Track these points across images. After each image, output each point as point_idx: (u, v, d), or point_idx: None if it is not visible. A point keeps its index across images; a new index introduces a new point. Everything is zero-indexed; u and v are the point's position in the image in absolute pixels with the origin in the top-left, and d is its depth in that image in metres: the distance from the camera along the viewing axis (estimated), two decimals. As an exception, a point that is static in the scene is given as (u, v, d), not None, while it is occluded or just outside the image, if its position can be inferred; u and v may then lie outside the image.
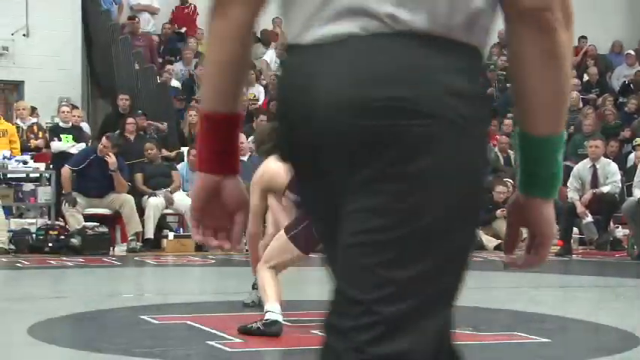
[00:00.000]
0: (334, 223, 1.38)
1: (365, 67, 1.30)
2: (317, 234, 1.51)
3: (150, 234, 10.47)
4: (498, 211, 11.57)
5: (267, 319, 4.67)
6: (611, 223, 10.90)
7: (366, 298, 1.30)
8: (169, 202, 10.64)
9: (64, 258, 9.43)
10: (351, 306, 1.31)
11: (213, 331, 4.92)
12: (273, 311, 4.68)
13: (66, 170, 10.30)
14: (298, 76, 1.36)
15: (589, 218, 10.59)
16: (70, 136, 11.45)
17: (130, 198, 10.41)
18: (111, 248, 10.16)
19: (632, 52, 16.30)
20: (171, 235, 10.61)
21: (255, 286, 5.52)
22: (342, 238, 1.34)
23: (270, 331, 4.66)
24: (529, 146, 1.40)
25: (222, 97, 1.40)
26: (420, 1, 1.32)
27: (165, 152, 11.65)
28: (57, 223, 10.23)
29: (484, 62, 1.42)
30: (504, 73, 16.15)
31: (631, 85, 15.69)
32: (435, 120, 1.30)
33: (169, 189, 10.72)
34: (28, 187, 10.73)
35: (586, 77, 15.83)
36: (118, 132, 11.31)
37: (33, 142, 11.57)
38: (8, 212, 10.46)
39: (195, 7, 15.78)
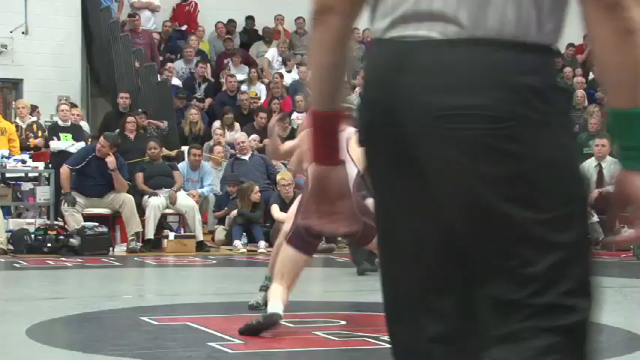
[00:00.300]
0: (415, 218, 1.48)
1: (443, 73, 1.41)
2: (377, 225, 1.57)
3: (150, 234, 10.47)
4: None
5: (267, 312, 4.71)
6: (617, 223, 10.86)
7: (519, 297, 1.44)
8: (173, 202, 10.63)
9: (63, 258, 9.43)
10: (513, 309, 1.44)
11: (214, 332, 4.92)
12: (275, 305, 4.71)
13: (65, 169, 10.29)
14: (382, 71, 1.48)
15: (594, 218, 10.58)
16: (70, 135, 11.44)
17: (130, 198, 10.41)
18: (110, 248, 10.16)
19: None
20: (171, 235, 10.61)
21: (263, 288, 5.54)
22: (480, 247, 1.44)
23: (268, 321, 4.68)
24: (615, 120, 1.47)
25: (326, 97, 1.55)
26: (492, 7, 1.41)
27: (165, 151, 11.65)
28: (56, 223, 10.23)
29: (555, 57, 1.50)
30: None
31: (637, 83, 15.67)
32: (517, 122, 1.40)
33: (174, 188, 10.71)
34: (26, 186, 10.74)
35: (591, 75, 15.80)
36: (117, 131, 11.31)
37: (32, 141, 11.57)
38: (6, 212, 10.47)
39: (196, 4, 15.79)
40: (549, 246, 1.43)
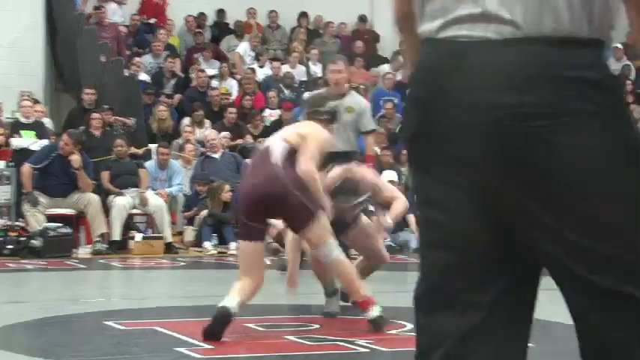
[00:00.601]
0: (464, 212, 1.55)
1: (498, 73, 1.50)
2: (424, 221, 1.63)
3: (116, 235, 10.41)
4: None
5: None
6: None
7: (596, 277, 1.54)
8: (144, 204, 10.57)
9: (24, 261, 9.36)
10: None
11: (182, 337, 4.91)
12: (229, 299, 4.80)
13: (26, 168, 10.21)
14: (435, 71, 1.56)
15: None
16: (32, 132, 11.36)
17: (95, 197, 10.35)
18: (74, 250, 10.09)
19: (620, 46, 16.44)
20: (138, 236, 10.55)
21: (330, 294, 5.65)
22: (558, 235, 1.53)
23: (218, 316, 4.75)
24: None
25: None
26: (547, 6, 1.50)
27: (132, 149, 11.59)
28: (17, 223, 10.13)
29: (607, 50, 1.59)
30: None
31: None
32: (574, 116, 1.48)
33: (141, 189, 10.65)
34: (-14, 185, 10.65)
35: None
36: (81, 128, 11.24)
37: (-7, 139, 11.47)
38: (-35, 212, 10.37)
39: (165, -4, 15.73)
40: (621, 232, 1.52)
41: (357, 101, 6.96)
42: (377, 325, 5.00)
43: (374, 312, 5.03)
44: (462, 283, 1.57)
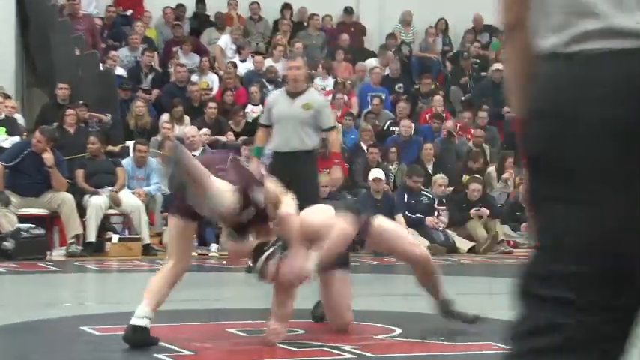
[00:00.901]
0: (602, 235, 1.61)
1: (632, 87, 1.55)
2: (543, 239, 1.68)
3: (91, 236, 10.39)
4: (472, 211, 11.67)
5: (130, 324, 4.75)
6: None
7: None
8: (116, 204, 10.56)
9: (-4, 263, 9.34)
10: None
11: (162, 342, 4.91)
12: (137, 316, 4.80)
13: (-2, 166, 10.19)
14: (573, 84, 1.61)
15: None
16: (3, 129, 11.33)
17: (70, 197, 10.32)
18: (48, 252, 10.07)
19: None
20: (115, 237, 10.54)
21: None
22: None
23: (132, 340, 4.73)
24: None
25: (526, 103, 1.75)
26: None
27: (108, 147, 11.56)
28: (-12, 224, 10.11)
29: None
30: (478, 61, 16.28)
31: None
32: None
33: (114, 188, 10.63)
34: (-45, 184, 10.59)
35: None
36: (55, 125, 11.21)
37: (-38, 136, 11.44)
38: None
39: (142, -13, 15.69)
40: None
41: (314, 98, 7.01)
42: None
43: None
44: (574, 285, 1.63)
